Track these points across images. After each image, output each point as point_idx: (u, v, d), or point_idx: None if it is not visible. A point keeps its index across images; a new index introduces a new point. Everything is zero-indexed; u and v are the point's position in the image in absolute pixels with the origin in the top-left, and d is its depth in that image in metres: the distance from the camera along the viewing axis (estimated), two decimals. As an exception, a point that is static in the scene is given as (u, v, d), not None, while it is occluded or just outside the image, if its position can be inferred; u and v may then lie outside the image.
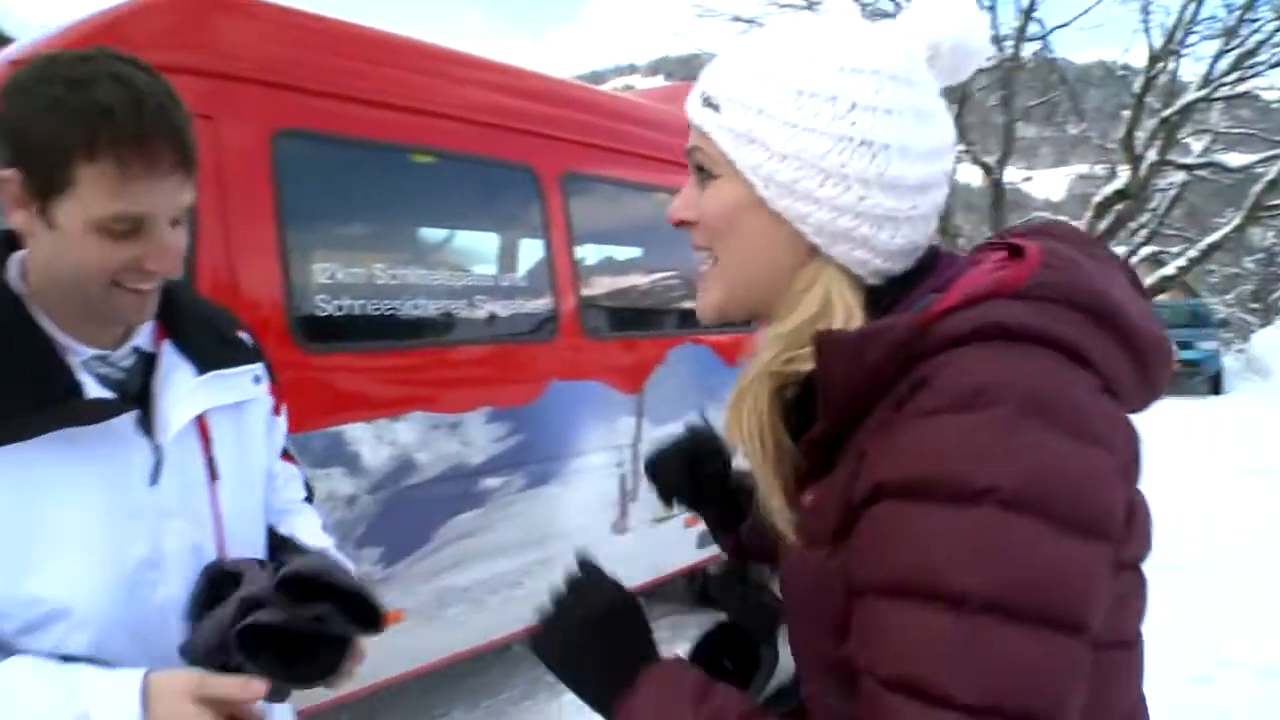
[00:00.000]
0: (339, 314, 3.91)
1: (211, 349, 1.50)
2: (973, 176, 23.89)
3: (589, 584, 1.12)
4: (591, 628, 1.07)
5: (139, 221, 1.26)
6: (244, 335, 1.62)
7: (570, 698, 1.38)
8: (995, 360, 0.85)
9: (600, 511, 5.03)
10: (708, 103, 1.01)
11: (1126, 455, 0.88)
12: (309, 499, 1.84)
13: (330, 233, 4.12)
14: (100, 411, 1.30)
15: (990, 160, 18.70)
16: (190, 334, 1.48)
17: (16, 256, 1.36)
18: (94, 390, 1.32)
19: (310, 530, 1.74)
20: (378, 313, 4.06)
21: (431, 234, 4.80)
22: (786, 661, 1.17)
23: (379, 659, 3.80)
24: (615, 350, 5.15)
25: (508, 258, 5.24)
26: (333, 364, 3.87)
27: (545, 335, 4.77)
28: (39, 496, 1.26)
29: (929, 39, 1.00)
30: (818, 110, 0.94)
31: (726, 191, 1.00)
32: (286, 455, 1.78)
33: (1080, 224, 22.29)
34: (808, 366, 0.95)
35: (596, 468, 4.96)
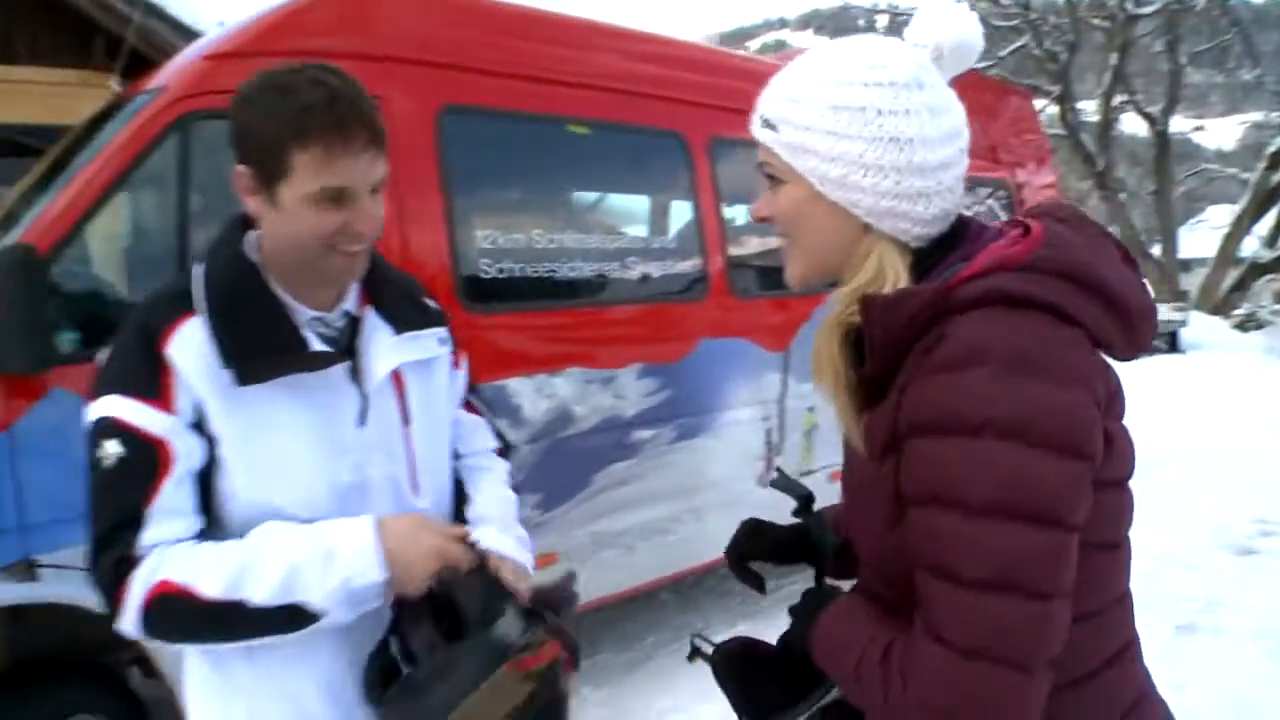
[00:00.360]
0: (500, 276, 4.22)
1: (406, 313, 1.76)
2: (1138, 127, 22.91)
3: None
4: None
5: (343, 191, 1.53)
6: (431, 302, 1.88)
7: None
8: (994, 322, 1.12)
9: (746, 464, 5.24)
10: (767, 124, 1.30)
11: (1104, 393, 1.15)
12: (504, 449, 2.04)
13: (491, 200, 4.43)
14: (322, 361, 1.58)
15: (1155, 110, 17.94)
16: (389, 301, 1.74)
17: (252, 235, 1.67)
18: (316, 344, 1.60)
19: (490, 494, 1.92)
20: (536, 275, 4.36)
21: (585, 200, 5.07)
22: None
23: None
24: (762, 309, 5.32)
25: (658, 221, 5.47)
26: (495, 323, 4.18)
27: (695, 295, 5.00)
28: (273, 428, 1.55)
29: (932, 45, 1.27)
30: (851, 120, 1.22)
31: (793, 192, 1.29)
32: (471, 407, 2.00)
33: (1253, 176, 21.09)
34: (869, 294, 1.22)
35: (743, 422, 5.17)
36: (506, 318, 4.26)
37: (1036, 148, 8.44)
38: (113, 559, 1.47)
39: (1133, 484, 1.26)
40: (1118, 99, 22.73)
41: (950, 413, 1.09)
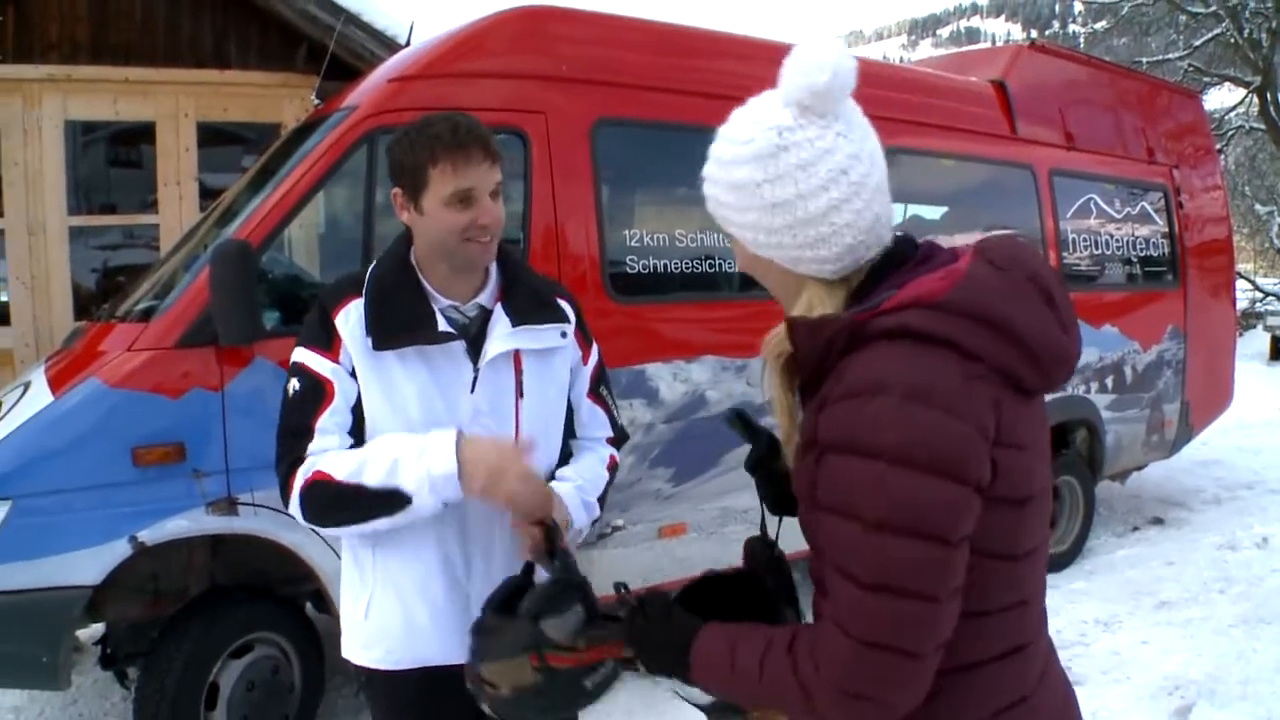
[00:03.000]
0: (644, 271, 4.66)
1: (528, 309, 2.15)
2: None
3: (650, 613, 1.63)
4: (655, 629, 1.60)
5: (468, 193, 1.99)
6: (562, 302, 2.26)
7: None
8: (897, 357, 1.27)
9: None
10: (706, 198, 1.49)
11: (994, 424, 1.27)
12: (617, 438, 2.40)
13: (637, 203, 4.86)
14: (439, 337, 2.05)
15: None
16: (516, 299, 2.15)
17: (413, 247, 2.16)
18: (443, 325, 2.06)
19: (584, 465, 2.29)
20: (676, 270, 4.78)
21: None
22: None
23: (664, 563, 4.58)
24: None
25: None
26: (638, 313, 4.62)
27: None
28: (400, 385, 2.05)
29: (791, 103, 1.37)
30: (740, 196, 1.40)
31: (739, 250, 1.50)
32: (598, 398, 2.36)
33: None
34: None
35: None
36: (648, 309, 4.69)
37: (1200, 148, 8.32)
38: (288, 460, 2.03)
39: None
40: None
41: (852, 437, 1.25)
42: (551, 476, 2.23)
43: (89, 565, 3.47)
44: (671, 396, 4.68)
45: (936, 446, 1.22)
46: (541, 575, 1.99)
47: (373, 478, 1.96)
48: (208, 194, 7.41)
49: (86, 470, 3.48)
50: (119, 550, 3.51)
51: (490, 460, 1.97)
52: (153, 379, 3.58)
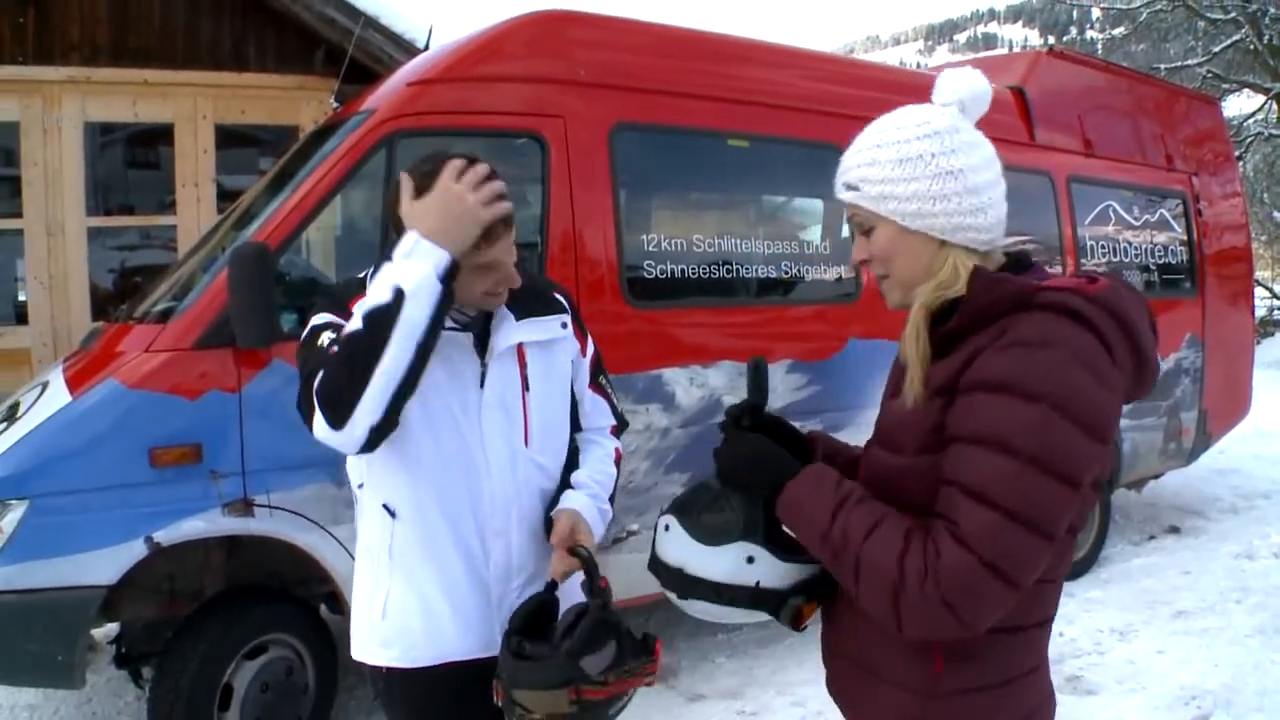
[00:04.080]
0: (661, 276, 4.66)
1: (530, 304, 2.20)
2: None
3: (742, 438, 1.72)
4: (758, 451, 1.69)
5: (491, 264, 2.01)
6: (558, 295, 2.32)
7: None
8: (1063, 325, 1.45)
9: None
10: (849, 187, 1.67)
11: (1121, 405, 1.49)
12: (618, 427, 2.47)
13: (655, 207, 4.86)
14: (449, 329, 2.04)
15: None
16: (516, 296, 2.16)
17: None
18: (449, 321, 2.03)
19: (595, 466, 2.34)
20: (694, 275, 4.77)
21: (741, 208, 5.43)
22: None
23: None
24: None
25: (811, 228, 5.77)
26: (655, 317, 4.62)
27: (846, 297, 5.30)
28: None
29: (954, 101, 1.65)
30: (914, 166, 1.60)
31: (883, 232, 1.65)
32: (599, 388, 2.42)
33: None
34: (951, 295, 1.57)
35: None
36: (666, 314, 4.69)
37: (1218, 155, 8.28)
38: (308, 392, 1.91)
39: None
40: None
41: (1019, 379, 1.41)
42: (566, 483, 2.27)
43: (105, 565, 3.48)
44: (688, 401, 4.68)
45: (1091, 405, 1.41)
46: (565, 591, 2.14)
47: (377, 297, 1.85)
48: (225, 196, 7.46)
49: (104, 470, 3.50)
50: (135, 550, 3.53)
51: (427, 210, 1.91)
52: (170, 380, 3.59)
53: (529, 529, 2.20)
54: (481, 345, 2.14)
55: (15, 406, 3.97)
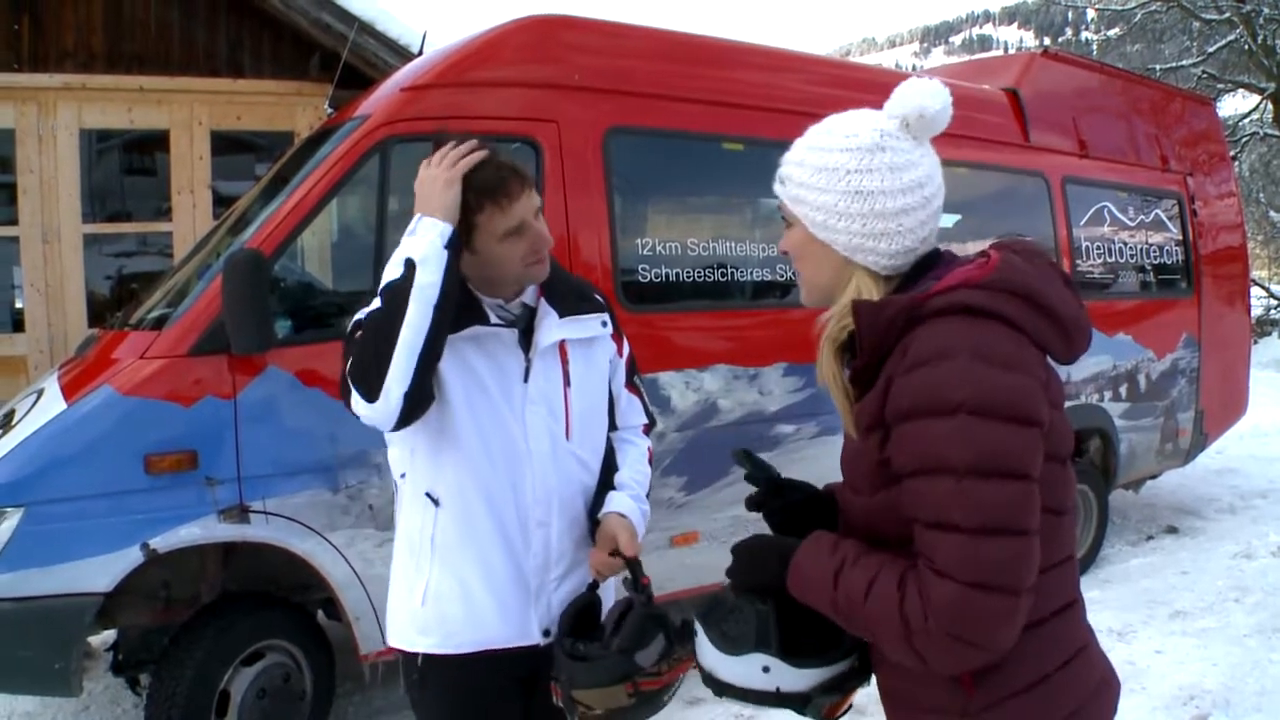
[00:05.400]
0: (656, 280, 4.66)
1: (571, 303, 2.28)
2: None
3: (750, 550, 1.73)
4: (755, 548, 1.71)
5: (519, 225, 2.10)
6: (598, 296, 2.41)
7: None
8: (956, 327, 1.44)
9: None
10: (779, 179, 1.67)
11: (1044, 381, 1.47)
12: (649, 424, 2.55)
13: (649, 211, 4.86)
14: (494, 324, 2.15)
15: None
16: (558, 295, 2.26)
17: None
18: (494, 318, 2.16)
19: (633, 466, 2.42)
20: (688, 279, 4.78)
21: (735, 212, 5.43)
22: None
23: (676, 572, 4.58)
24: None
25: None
26: (650, 321, 4.61)
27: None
28: (460, 373, 2.12)
29: (899, 116, 1.59)
30: (828, 178, 1.58)
31: (797, 232, 1.66)
32: (633, 387, 2.49)
33: None
34: (852, 326, 1.54)
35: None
36: (661, 317, 4.69)
37: (1213, 156, 8.29)
38: (344, 376, 2.06)
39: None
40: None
41: (928, 399, 1.40)
42: (609, 484, 2.35)
43: (101, 572, 3.48)
44: (684, 405, 4.68)
45: (1006, 396, 1.40)
46: (605, 590, 2.27)
47: (391, 274, 2.02)
48: (221, 202, 7.46)
49: (99, 477, 3.49)
50: (131, 557, 3.52)
51: (419, 195, 2.08)
52: (165, 387, 3.59)
53: (569, 521, 2.26)
54: (526, 341, 2.20)
55: (11, 414, 3.97)
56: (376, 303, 2.02)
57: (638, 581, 2.13)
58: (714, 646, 1.72)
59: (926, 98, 1.58)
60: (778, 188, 1.67)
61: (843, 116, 1.64)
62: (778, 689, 1.69)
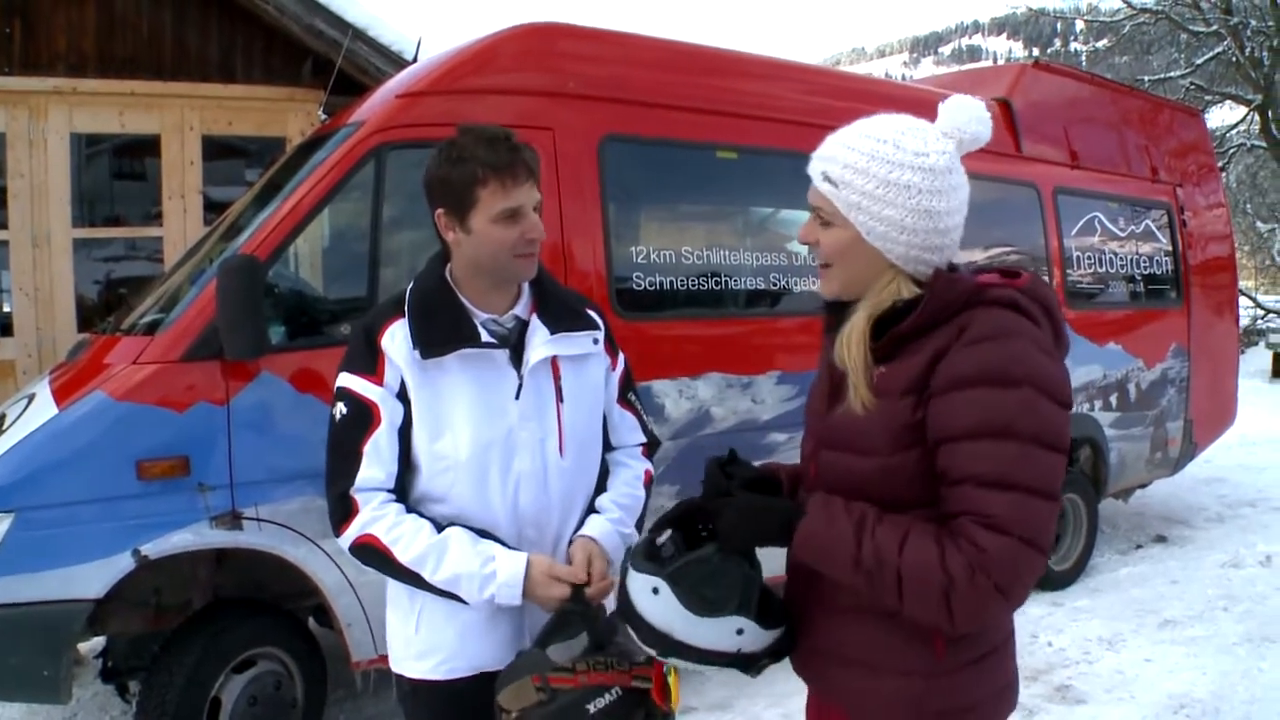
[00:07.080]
0: (650, 288, 4.66)
1: (563, 318, 2.25)
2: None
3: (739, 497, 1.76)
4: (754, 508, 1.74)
5: (516, 210, 2.09)
6: (591, 311, 2.36)
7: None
8: (1009, 317, 1.62)
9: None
10: (828, 179, 1.71)
11: None
12: (648, 445, 2.49)
13: (644, 219, 4.86)
14: (486, 344, 2.14)
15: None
16: (550, 309, 2.24)
17: (449, 265, 2.22)
18: (485, 336, 2.16)
19: (621, 490, 2.37)
20: (682, 287, 4.78)
21: (729, 220, 5.45)
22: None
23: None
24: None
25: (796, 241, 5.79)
26: (644, 329, 4.61)
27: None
28: (449, 396, 2.12)
29: (953, 136, 1.71)
30: (898, 194, 1.66)
31: (841, 234, 1.72)
32: (627, 404, 2.44)
33: None
34: (888, 304, 1.68)
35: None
36: (655, 325, 4.69)
37: (1202, 167, 8.34)
38: (338, 491, 2.08)
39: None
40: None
41: (996, 371, 1.55)
42: (592, 508, 2.33)
43: (92, 578, 3.46)
44: (677, 413, 4.68)
45: (1057, 380, 1.59)
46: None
47: (435, 577, 2.07)
48: (212, 207, 7.44)
49: (90, 483, 3.47)
50: (122, 564, 3.50)
51: (550, 595, 2.08)
52: (158, 392, 3.57)
53: (562, 539, 2.25)
54: (516, 358, 2.18)
55: (1, 419, 3.94)
56: (411, 558, 2.06)
57: (579, 597, 2.08)
58: (683, 606, 1.71)
59: (980, 123, 1.71)
60: (826, 188, 1.70)
61: (899, 126, 1.70)
62: (739, 650, 1.75)
